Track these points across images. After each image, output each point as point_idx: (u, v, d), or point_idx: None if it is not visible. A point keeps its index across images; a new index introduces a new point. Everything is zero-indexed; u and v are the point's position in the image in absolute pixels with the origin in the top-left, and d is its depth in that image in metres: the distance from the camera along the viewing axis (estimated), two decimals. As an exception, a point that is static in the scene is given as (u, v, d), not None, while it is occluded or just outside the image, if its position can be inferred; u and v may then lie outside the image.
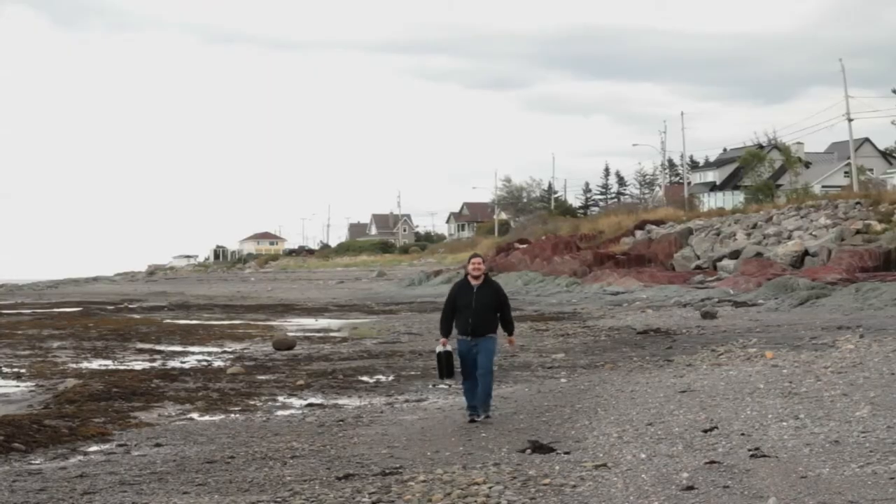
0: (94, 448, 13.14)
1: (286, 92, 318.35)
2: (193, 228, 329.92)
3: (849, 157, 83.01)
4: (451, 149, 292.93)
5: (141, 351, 26.76)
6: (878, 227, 51.05)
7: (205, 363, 23.61)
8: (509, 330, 14.52)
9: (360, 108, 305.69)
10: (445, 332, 14.35)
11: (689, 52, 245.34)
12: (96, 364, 23.65)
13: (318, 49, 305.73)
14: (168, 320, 40.21)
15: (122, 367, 22.83)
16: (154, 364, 23.53)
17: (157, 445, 13.10)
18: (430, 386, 18.97)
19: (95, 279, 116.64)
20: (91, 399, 17.25)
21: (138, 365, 23.38)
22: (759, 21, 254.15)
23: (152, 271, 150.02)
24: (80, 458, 12.50)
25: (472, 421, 14.04)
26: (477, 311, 13.91)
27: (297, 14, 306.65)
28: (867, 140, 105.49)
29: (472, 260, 14.41)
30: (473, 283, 14.08)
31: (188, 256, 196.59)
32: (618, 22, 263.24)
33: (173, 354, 25.85)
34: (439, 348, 14.42)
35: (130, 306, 53.17)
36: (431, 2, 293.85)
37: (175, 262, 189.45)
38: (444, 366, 14.38)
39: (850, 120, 78.82)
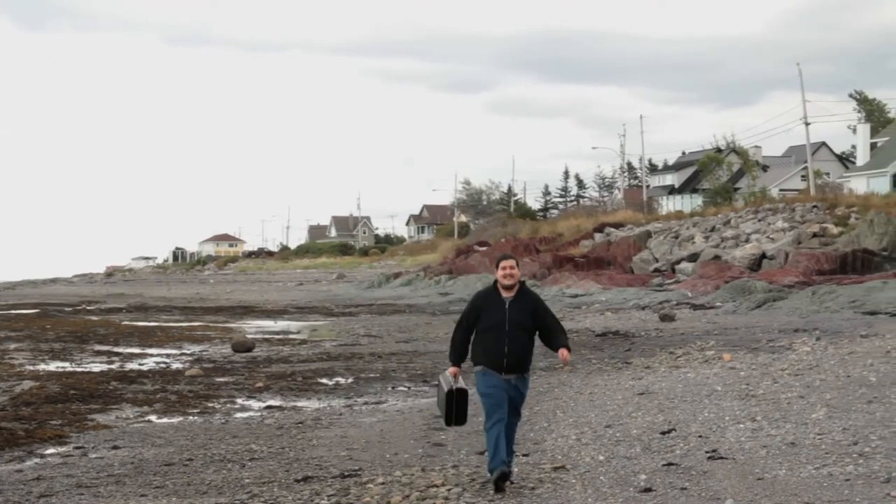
0: (50, 451, 13.07)
1: (248, 93, 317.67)
2: (152, 230, 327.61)
3: (806, 161, 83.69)
4: (413, 151, 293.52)
5: (99, 353, 26.59)
6: (835, 230, 51.48)
7: (163, 365, 23.51)
8: (563, 340, 10.24)
9: (323, 110, 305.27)
10: (457, 359, 10.29)
11: (652, 56, 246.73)
12: (53, 366, 23.48)
13: (281, 51, 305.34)
14: (126, 322, 39.98)
15: (79, 370, 22.68)
16: (112, 366, 23.39)
17: (115, 448, 13.04)
18: (390, 388, 18.98)
19: (53, 281, 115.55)
20: (48, 401, 17.15)
21: (96, 367, 23.24)
22: (723, 26, 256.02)
23: (111, 273, 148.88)
24: (37, 460, 12.43)
25: (503, 482, 9.91)
26: (513, 334, 9.97)
27: (261, 16, 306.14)
28: (824, 144, 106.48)
29: (503, 263, 10.21)
30: (505, 295, 10.10)
31: (147, 258, 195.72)
32: (582, 26, 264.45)
33: (131, 356, 25.70)
34: (448, 383, 10.28)
35: (88, 308, 52.75)
36: (397, 4, 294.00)
37: (134, 263, 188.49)
38: (456, 410, 10.25)
39: (807, 124, 79.45)
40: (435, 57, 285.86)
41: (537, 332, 10.30)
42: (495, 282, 10.27)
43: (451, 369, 10.30)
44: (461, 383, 10.23)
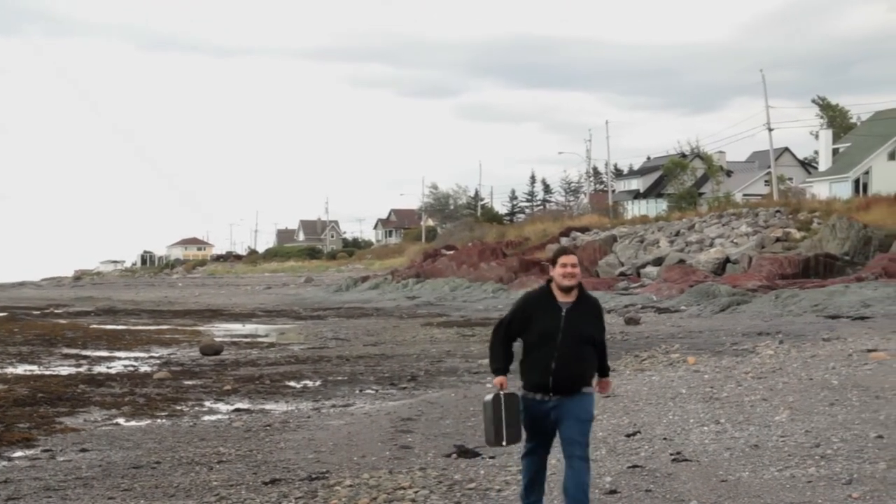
0: (18, 454, 13.02)
1: (217, 98, 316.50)
2: (121, 233, 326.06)
3: (769, 166, 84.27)
4: (381, 156, 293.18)
5: (67, 356, 26.47)
6: (797, 234, 51.91)
7: (131, 368, 23.46)
8: (604, 370, 8.61)
9: (292, 115, 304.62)
10: (502, 366, 8.37)
11: (619, 62, 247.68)
12: (21, 369, 23.37)
13: (251, 55, 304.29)
14: (95, 325, 39.76)
15: (47, 373, 22.59)
16: (80, 369, 23.31)
17: (83, 451, 13.03)
18: (357, 391, 19.03)
19: (21, 284, 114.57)
20: (16, 404, 17.08)
21: (64, 370, 23.15)
22: (688, 33, 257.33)
23: (79, 276, 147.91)
24: (5, 463, 12.39)
25: None
26: (566, 347, 8.06)
27: (230, 21, 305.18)
28: (787, 150, 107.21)
29: (562, 259, 8.21)
30: (562, 299, 8.18)
31: (115, 262, 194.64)
32: (550, 32, 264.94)
33: (100, 360, 25.61)
34: (491, 393, 8.31)
35: (57, 311, 52.44)
36: (367, 10, 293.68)
37: (102, 267, 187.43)
38: (507, 420, 8.20)
39: (770, 130, 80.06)
40: (403, 62, 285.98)
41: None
42: (548, 282, 8.35)
43: (496, 379, 8.27)
44: (508, 389, 8.24)
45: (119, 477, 11.30)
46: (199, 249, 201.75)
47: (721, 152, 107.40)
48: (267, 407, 17.24)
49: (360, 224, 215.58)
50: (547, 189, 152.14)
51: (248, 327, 39.26)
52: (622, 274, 55.20)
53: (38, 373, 22.60)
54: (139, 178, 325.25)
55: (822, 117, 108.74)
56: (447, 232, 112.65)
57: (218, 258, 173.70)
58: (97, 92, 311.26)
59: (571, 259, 8.25)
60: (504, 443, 8.21)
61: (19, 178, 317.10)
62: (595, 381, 8.43)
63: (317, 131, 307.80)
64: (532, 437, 8.31)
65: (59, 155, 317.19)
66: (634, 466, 10.64)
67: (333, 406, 17.16)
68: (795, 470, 10.08)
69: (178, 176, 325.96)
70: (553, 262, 8.32)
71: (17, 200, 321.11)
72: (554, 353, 8.07)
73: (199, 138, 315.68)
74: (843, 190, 76.53)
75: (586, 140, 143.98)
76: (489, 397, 8.29)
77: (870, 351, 19.04)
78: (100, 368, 23.53)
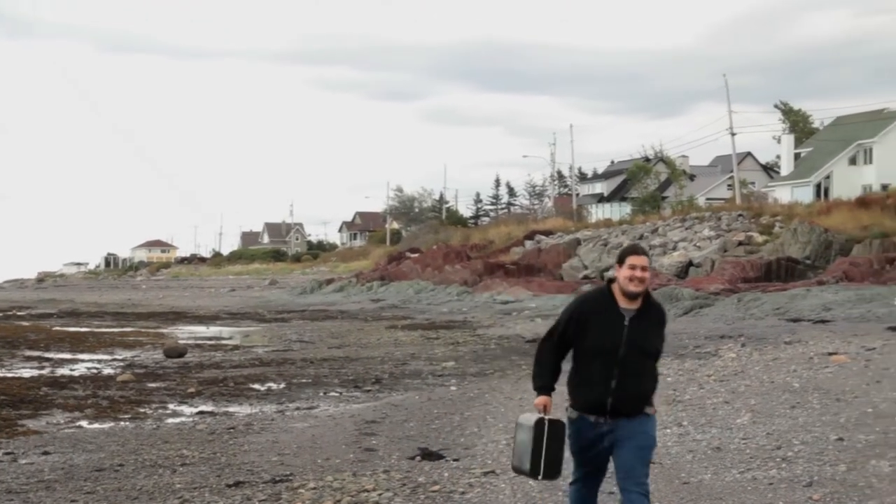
0: (-21, 457, 12.95)
1: (182, 100, 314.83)
2: (84, 236, 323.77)
3: (732, 171, 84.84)
4: (347, 159, 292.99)
5: (29, 358, 26.29)
6: (760, 238, 52.30)
7: (95, 371, 23.33)
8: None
9: (257, 117, 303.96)
10: (546, 383, 7.13)
11: (583, 67, 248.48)
12: (-19, 372, 23.22)
13: (216, 58, 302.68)
14: (58, 328, 39.49)
15: (9, 375, 22.41)
16: (43, 371, 23.16)
17: (45, 453, 12.95)
18: (321, 394, 19.03)
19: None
20: (-24, 407, 16.97)
21: (26, 372, 22.99)
22: (653, 39, 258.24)
23: (42, 278, 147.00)
24: (-34, 466, 12.32)
25: None
26: (629, 363, 6.89)
27: (195, 23, 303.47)
28: (749, 154, 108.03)
29: (631, 260, 6.97)
30: (626, 305, 6.97)
31: (79, 264, 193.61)
32: (515, 37, 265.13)
33: (62, 362, 25.45)
34: (529, 416, 7.15)
35: (19, 313, 52.07)
36: (333, 13, 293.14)
37: (65, 269, 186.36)
38: (548, 452, 7.00)
39: (733, 134, 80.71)
40: (369, 66, 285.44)
41: None
42: (608, 283, 7.08)
43: (538, 399, 7.08)
44: (551, 415, 7.07)
45: (82, 480, 11.24)
46: (164, 252, 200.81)
47: (684, 156, 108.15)
48: (231, 409, 17.21)
49: (324, 227, 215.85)
50: (511, 192, 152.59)
51: (213, 330, 39.12)
52: (586, 277, 55.41)
53: (0, 375, 22.43)
54: (103, 180, 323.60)
55: (784, 122, 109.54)
56: (412, 235, 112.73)
57: (182, 260, 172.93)
58: (60, 95, 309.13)
59: (642, 261, 6.97)
60: (540, 477, 7.06)
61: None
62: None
63: (282, 134, 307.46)
64: (581, 464, 7.15)
65: (22, 157, 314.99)
66: (597, 468, 10.68)
67: (297, 409, 17.14)
68: (757, 472, 10.17)
69: (142, 178, 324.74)
70: (619, 261, 7.03)
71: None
72: (614, 368, 6.85)
73: (164, 140, 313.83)
74: (805, 194, 77.14)
75: (551, 144, 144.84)
76: (529, 419, 7.04)
77: (830, 354, 19.21)
78: (63, 371, 23.39)
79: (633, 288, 6.89)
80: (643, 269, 6.93)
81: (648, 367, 7.03)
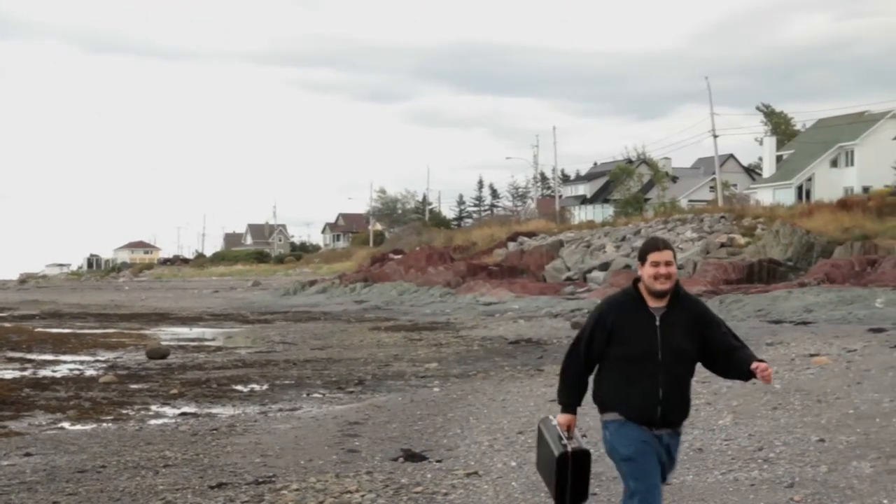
0: (-39, 458, 12.91)
1: (166, 101, 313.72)
2: (67, 237, 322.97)
3: (714, 173, 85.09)
4: (330, 160, 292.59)
5: (11, 360, 26.21)
6: (742, 240, 52.47)
7: (77, 372, 23.28)
8: (752, 357, 6.46)
9: (240, 118, 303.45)
10: (572, 401, 6.73)
11: (566, 69, 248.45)
12: (-37, 373, 23.15)
13: (200, 59, 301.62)
14: (40, 329, 39.37)
15: (-10, 377, 22.39)
16: (25, 373, 23.10)
17: (27, 455, 12.91)
18: (304, 395, 19.02)
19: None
20: (-42, 408, 16.93)
21: (8, 374, 22.92)
22: (636, 41, 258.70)
23: (24, 280, 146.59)
24: (-52, 468, 12.28)
25: None
26: (670, 366, 6.42)
27: (178, 24, 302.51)
28: (732, 156, 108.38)
29: (653, 256, 6.45)
30: (654, 304, 6.48)
31: (61, 265, 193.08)
32: (498, 39, 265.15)
33: (45, 363, 25.40)
34: (559, 440, 6.60)
35: (1, 314, 51.90)
36: (316, 15, 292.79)
37: (48, 270, 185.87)
38: (573, 483, 6.55)
39: (715, 136, 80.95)
40: (352, 67, 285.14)
41: (704, 359, 6.61)
42: (635, 283, 6.58)
43: (562, 417, 6.64)
44: (578, 440, 6.61)
45: (64, 481, 11.21)
46: (147, 253, 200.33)
47: (667, 158, 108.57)
48: (214, 411, 17.19)
49: (308, 228, 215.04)
50: (495, 194, 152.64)
51: (196, 331, 39.06)
52: (569, 279, 55.50)
53: (-18, 377, 22.38)
54: (86, 181, 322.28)
55: (766, 124, 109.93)
56: (395, 236, 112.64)
57: (165, 262, 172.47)
58: (42, 95, 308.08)
59: (665, 256, 6.43)
60: None
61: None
62: (752, 366, 6.37)
63: (265, 135, 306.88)
64: (642, 474, 6.40)
65: (3, 158, 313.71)
66: (580, 470, 10.71)
67: (280, 410, 17.13)
68: (739, 473, 10.22)
69: (125, 179, 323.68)
70: (641, 258, 6.54)
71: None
72: (658, 374, 6.35)
73: (147, 141, 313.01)
74: (787, 196, 77.47)
75: (534, 146, 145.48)
76: (555, 447, 6.52)
77: (812, 355, 19.30)
78: (45, 372, 23.34)
79: (659, 286, 6.41)
80: (668, 264, 6.42)
81: (687, 372, 6.54)
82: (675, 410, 6.44)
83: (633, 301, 6.50)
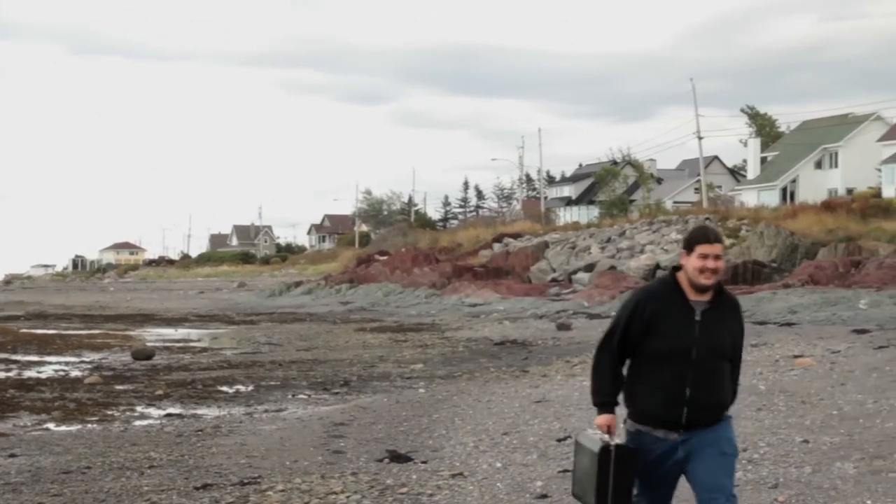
0: (-55, 459, 12.88)
1: (151, 102, 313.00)
2: (52, 237, 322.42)
3: (699, 174, 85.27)
4: (315, 161, 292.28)
5: (-5, 360, 26.15)
6: (726, 241, 52.60)
7: (62, 373, 23.21)
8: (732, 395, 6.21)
9: (226, 120, 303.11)
10: (609, 398, 6.12)
11: (552, 70, 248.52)
12: (-53, 374, 23.06)
13: (184, 60, 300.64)
14: (25, 330, 39.19)
15: (-26, 378, 22.31)
16: (9, 374, 23.01)
17: (12, 456, 12.88)
18: (290, 396, 19.02)
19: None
20: (-58, 409, 16.87)
21: (-8, 375, 22.89)
22: (621, 43, 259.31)
23: (9, 280, 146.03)
24: (-68, 469, 12.25)
25: None
26: (704, 366, 5.91)
27: (162, 26, 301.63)
28: (716, 158, 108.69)
29: (701, 248, 5.91)
30: (695, 297, 5.98)
31: (46, 266, 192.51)
32: (484, 40, 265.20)
33: (30, 364, 25.32)
34: (591, 436, 6.11)
35: (-15, 315, 51.76)
36: (300, 16, 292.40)
37: (32, 271, 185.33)
38: (616, 483, 5.88)
39: (700, 138, 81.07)
40: (337, 69, 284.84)
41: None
42: (673, 273, 6.08)
43: (600, 418, 6.07)
44: (618, 439, 5.99)
45: (49, 482, 11.20)
46: (132, 254, 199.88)
47: (652, 160, 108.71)
48: (199, 412, 17.17)
49: (293, 229, 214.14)
50: (480, 195, 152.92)
51: (181, 332, 38.99)
52: (554, 280, 55.55)
53: (-34, 378, 22.30)
54: (71, 182, 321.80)
55: (750, 126, 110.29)
56: (381, 237, 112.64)
57: (150, 263, 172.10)
58: (27, 96, 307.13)
59: (715, 249, 5.90)
60: None
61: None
62: None
63: (251, 136, 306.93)
64: (647, 488, 6.05)
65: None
66: (565, 471, 10.70)
67: (266, 411, 17.13)
68: (723, 473, 10.24)
69: (111, 180, 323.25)
70: (687, 248, 5.97)
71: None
72: (688, 374, 5.86)
73: (132, 142, 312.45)
74: (771, 198, 77.77)
75: (519, 147, 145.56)
76: (592, 444, 5.99)
77: (796, 357, 19.36)
78: (30, 373, 23.28)
79: (703, 281, 5.88)
80: (717, 257, 5.90)
81: (726, 372, 6.01)
82: (703, 411, 5.90)
83: (673, 292, 5.98)
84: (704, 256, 5.86)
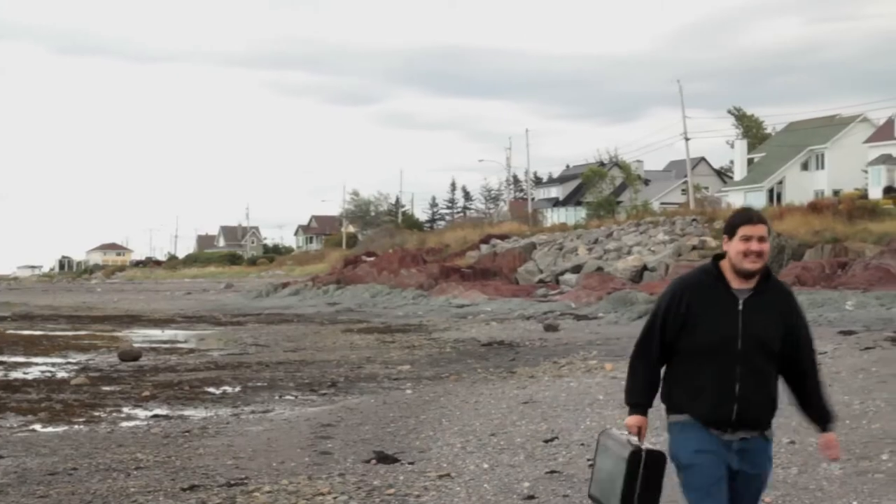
0: (-69, 461, 12.83)
1: (138, 103, 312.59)
2: (38, 238, 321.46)
3: (686, 176, 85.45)
4: (303, 162, 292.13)
5: (-19, 362, 26.06)
6: (713, 243, 52.64)
7: (48, 374, 23.14)
8: (823, 412, 5.99)
9: (212, 120, 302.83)
10: (642, 399, 5.82)
11: (539, 72, 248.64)
12: (-68, 375, 22.98)
13: (171, 61, 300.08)
14: (11, 331, 39.05)
15: (-41, 379, 22.23)
16: (-5, 375, 22.99)
17: (-2, 457, 12.88)
18: (277, 397, 18.99)
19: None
20: (-73, 411, 16.81)
21: (-22, 376, 22.80)
22: (608, 44, 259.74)
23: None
24: (-83, 471, 12.21)
25: None
26: (749, 359, 5.51)
27: (150, 26, 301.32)
28: (703, 159, 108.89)
29: (745, 230, 5.49)
30: (738, 285, 5.55)
31: (33, 267, 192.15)
32: (472, 42, 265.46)
33: (16, 365, 25.22)
34: (624, 441, 5.73)
35: (-30, 317, 51.56)
36: (288, 17, 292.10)
37: (19, 272, 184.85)
38: (643, 490, 5.60)
39: (687, 139, 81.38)
40: (325, 70, 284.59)
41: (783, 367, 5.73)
42: (716, 261, 5.66)
43: (631, 419, 5.77)
44: (647, 444, 5.70)
45: (35, 484, 11.17)
46: (119, 255, 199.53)
47: (639, 161, 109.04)
48: (186, 413, 17.14)
49: (280, 230, 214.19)
50: (467, 196, 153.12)
51: (168, 333, 38.91)
52: (541, 281, 55.62)
53: (-49, 379, 22.22)
54: (57, 183, 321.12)
55: (737, 128, 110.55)
56: (368, 239, 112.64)
57: (137, 263, 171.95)
58: (12, 97, 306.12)
59: (759, 230, 5.48)
60: None
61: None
62: (820, 434, 5.95)
63: (238, 137, 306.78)
64: (702, 496, 5.59)
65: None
66: (552, 472, 10.75)
67: (253, 412, 17.11)
68: (709, 474, 10.26)
69: (98, 180, 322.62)
70: (729, 232, 5.56)
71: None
72: (735, 368, 5.46)
73: (119, 143, 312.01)
74: (758, 199, 77.92)
75: (506, 148, 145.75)
76: (621, 448, 5.64)
77: (782, 358, 19.37)
78: (16, 374, 23.20)
79: (748, 265, 5.45)
80: (761, 239, 5.47)
81: (772, 368, 5.62)
82: (754, 409, 5.53)
83: (713, 280, 5.55)
84: (748, 239, 5.45)
